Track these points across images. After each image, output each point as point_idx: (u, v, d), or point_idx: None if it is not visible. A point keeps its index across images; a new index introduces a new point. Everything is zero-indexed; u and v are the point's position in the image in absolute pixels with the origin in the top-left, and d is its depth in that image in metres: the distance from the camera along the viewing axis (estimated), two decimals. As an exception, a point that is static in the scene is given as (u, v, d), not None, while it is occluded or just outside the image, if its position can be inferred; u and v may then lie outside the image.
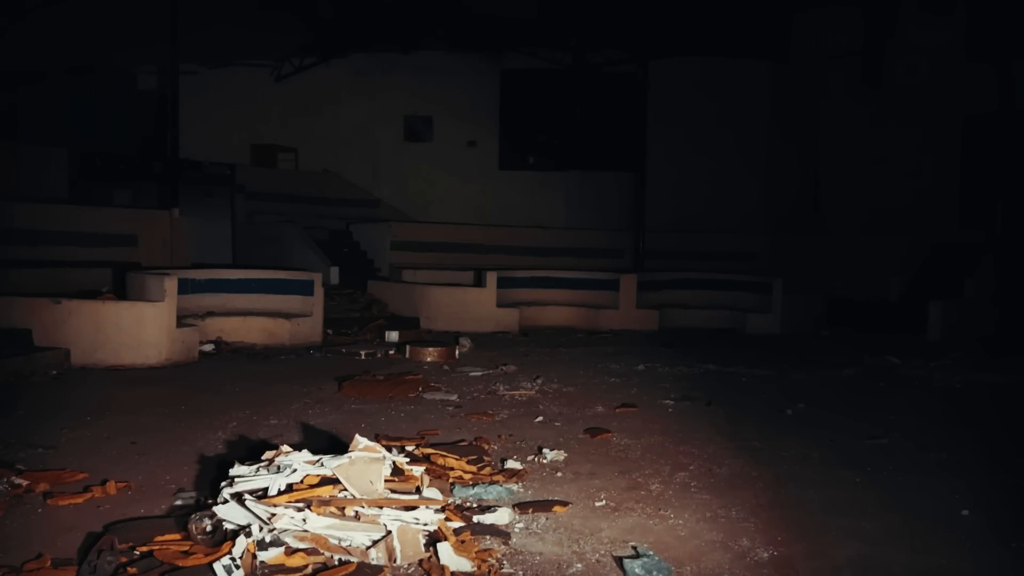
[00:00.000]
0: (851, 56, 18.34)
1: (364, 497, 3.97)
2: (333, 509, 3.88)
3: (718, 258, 17.67)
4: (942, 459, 5.94)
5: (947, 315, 13.25)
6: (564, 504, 4.72)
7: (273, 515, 3.83)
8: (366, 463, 4.10)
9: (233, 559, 3.59)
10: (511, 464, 5.48)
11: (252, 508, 3.89)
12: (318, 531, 3.78)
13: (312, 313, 11.68)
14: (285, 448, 4.52)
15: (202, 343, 10.31)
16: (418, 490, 4.20)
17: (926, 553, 4.14)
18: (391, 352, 10.70)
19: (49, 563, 3.77)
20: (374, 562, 3.73)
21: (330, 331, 11.92)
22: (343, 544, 3.78)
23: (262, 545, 3.70)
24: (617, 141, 19.58)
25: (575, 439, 6.33)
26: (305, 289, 11.81)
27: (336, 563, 3.70)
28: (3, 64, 16.43)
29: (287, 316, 11.51)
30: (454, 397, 7.86)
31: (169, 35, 13.77)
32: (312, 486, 4.00)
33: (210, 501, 4.27)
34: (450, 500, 4.61)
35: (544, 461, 5.66)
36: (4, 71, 16.91)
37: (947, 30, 17.14)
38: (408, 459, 4.64)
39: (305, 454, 4.32)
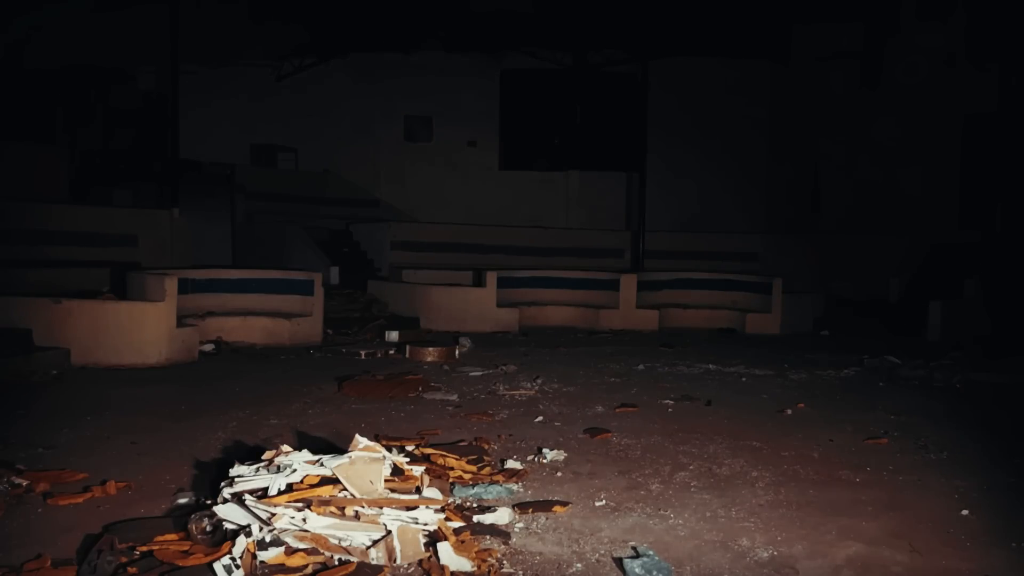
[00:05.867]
0: (851, 57, 18.35)
1: (364, 497, 3.97)
2: (333, 509, 3.88)
3: (718, 258, 17.66)
4: (942, 459, 5.94)
5: (947, 315, 13.23)
6: (564, 504, 4.72)
7: (273, 515, 3.83)
8: (366, 463, 4.10)
9: (233, 559, 3.60)
10: (511, 464, 5.48)
11: (252, 508, 3.89)
12: (318, 531, 3.78)
13: (312, 313, 11.68)
14: (285, 448, 4.52)
15: (202, 343, 10.30)
16: (418, 490, 4.20)
17: (926, 553, 4.14)
18: (391, 352, 10.70)
19: (49, 563, 3.77)
20: (374, 562, 3.73)
21: (330, 331, 11.93)
22: (343, 544, 3.78)
23: (262, 545, 3.71)
24: (617, 141, 19.59)
25: (575, 439, 6.34)
26: (305, 289, 11.81)
27: (336, 563, 3.71)
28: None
29: (287, 316, 11.51)
30: (454, 397, 7.86)
31: (169, 35, 13.77)
32: (312, 486, 4.00)
33: (210, 501, 4.27)
34: (450, 500, 4.61)
35: (544, 461, 5.66)
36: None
37: (947, 30, 17.14)
38: (408, 459, 4.64)
39: (305, 454, 4.33)
